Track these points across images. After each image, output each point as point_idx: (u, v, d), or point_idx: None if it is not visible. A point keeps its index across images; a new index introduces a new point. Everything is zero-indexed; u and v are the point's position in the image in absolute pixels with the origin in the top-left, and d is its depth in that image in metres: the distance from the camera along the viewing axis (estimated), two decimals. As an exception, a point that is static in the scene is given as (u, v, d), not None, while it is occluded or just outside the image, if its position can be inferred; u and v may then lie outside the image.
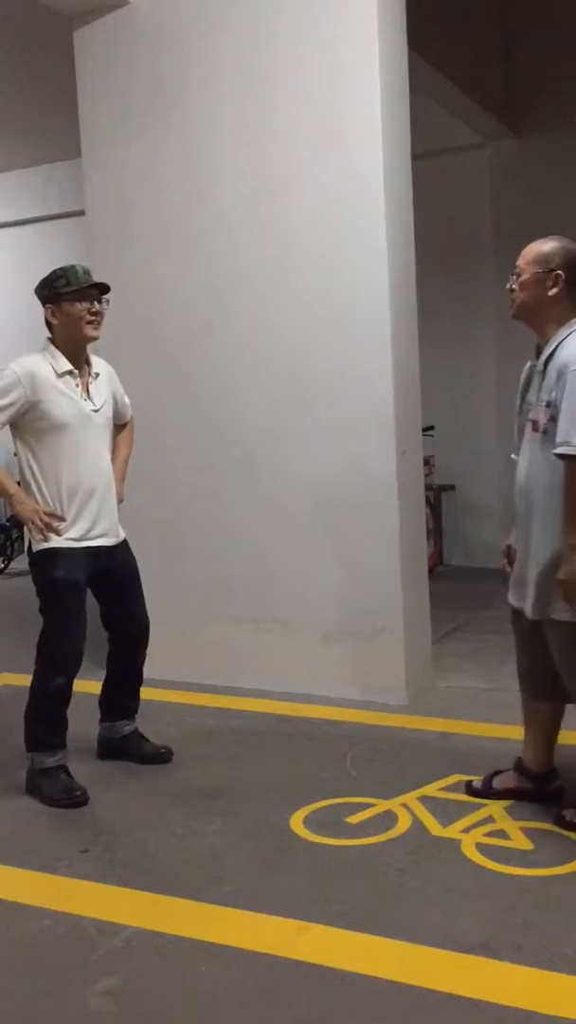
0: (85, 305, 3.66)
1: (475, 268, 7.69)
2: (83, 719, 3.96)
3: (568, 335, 3.07)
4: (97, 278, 3.75)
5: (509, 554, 3.46)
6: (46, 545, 3.66)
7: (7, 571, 8.82)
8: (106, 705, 4.05)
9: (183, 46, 4.89)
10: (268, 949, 2.64)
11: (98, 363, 3.84)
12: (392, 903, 2.86)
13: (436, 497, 7.87)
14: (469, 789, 3.55)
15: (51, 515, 3.64)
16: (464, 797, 3.52)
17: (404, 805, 3.51)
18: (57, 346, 3.71)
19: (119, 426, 4.03)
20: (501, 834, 3.24)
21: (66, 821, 3.53)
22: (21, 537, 9.81)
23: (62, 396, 3.64)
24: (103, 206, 5.23)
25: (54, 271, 3.73)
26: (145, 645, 3.97)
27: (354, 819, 3.42)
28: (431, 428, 6.71)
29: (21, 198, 9.80)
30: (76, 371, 3.70)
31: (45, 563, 3.68)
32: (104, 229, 5.24)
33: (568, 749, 3.63)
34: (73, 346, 3.71)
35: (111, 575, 3.81)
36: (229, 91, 4.80)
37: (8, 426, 3.66)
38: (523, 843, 3.17)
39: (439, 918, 2.76)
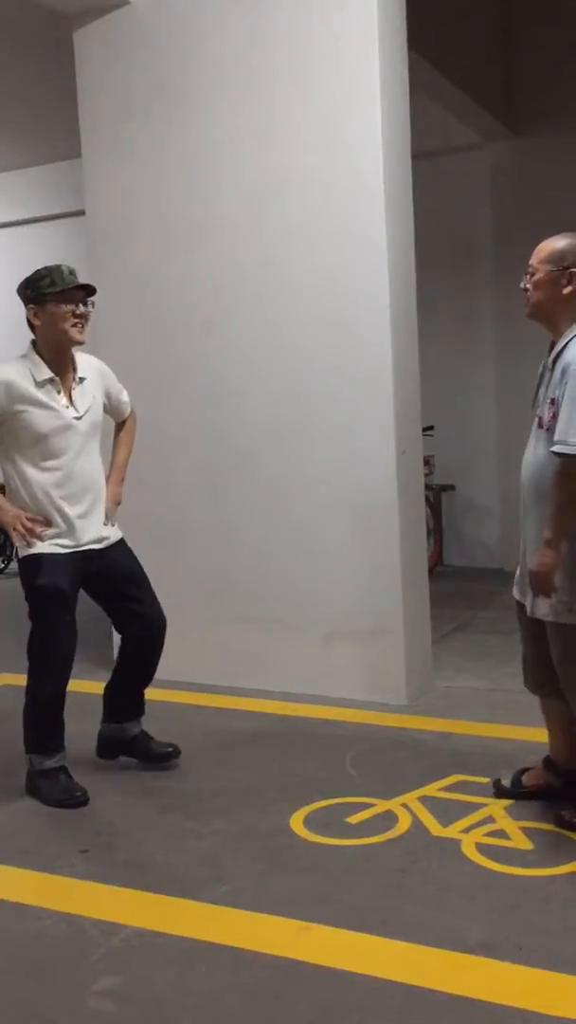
0: (70, 307, 3.54)
1: (474, 268, 7.70)
2: (81, 719, 3.96)
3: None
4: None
5: None
6: (31, 551, 3.61)
7: (6, 571, 8.82)
8: (114, 706, 3.98)
9: (183, 46, 4.89)
10: (268, 949, 2.64)
11: (85, 365, 3.73)
12: (392, 903, 2.86)
13: (436, 497, 7.88)
14: (497, 787, 3.51)
15: (34, 520, 3.59)
16: (464, 797, 3.52)
17: (404, 805, 3.51)
18: (39, 350, 3.61)
19: (119, 423, 3.99)
20: (501, 834, 3.24)
21: (66, 821, 3.53)
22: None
23: (40, 407, 3.55)
24: (103, 206, 5.23)
25: (38, 270, 3.58)
26: (159, 646, 3.86)
27: (354, 819, 3.42)
28: (431, 428, 6.72)
29: (21, 198, 9.81)
30: (58, 378, 3.60)
31: (29, 569, 3.63)
32: (104, 229, 5.24)
33: None
34: (56, 349, 3.60)
35: (104, 578, 3.75)
36: (229, 91, 4.80)
37: None
38: (523, 843, 3.17)
39: (439, 918, 2.76)
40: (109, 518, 3.82)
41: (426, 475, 5.56)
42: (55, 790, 3.66)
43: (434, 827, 3.31)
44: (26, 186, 9.74)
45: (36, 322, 3.59)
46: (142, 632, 3.84)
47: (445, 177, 7.49)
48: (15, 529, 3.59)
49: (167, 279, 5.08)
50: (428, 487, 6.79)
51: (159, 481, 5.07)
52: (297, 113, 4.65)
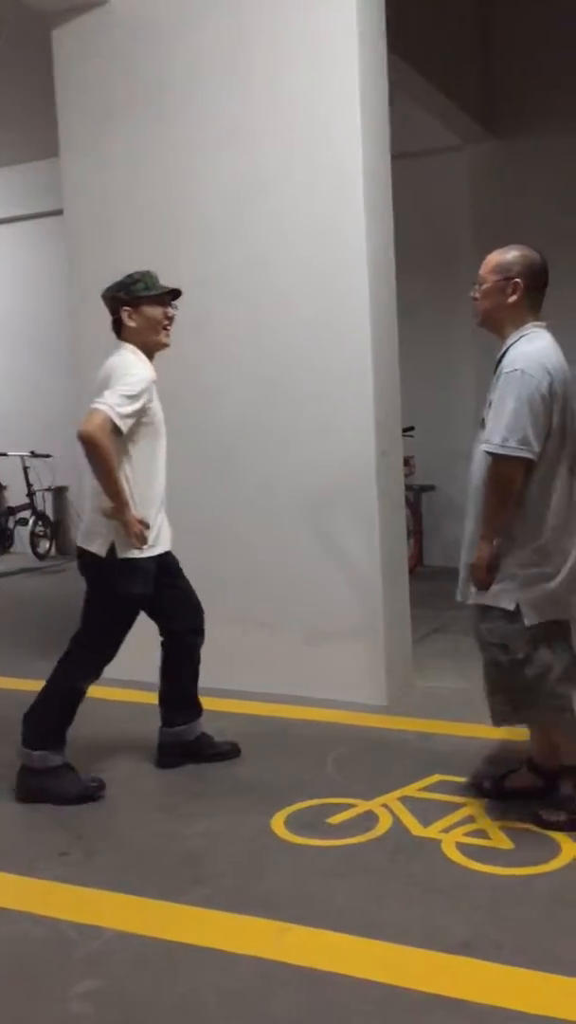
0: (163, 310, 3.69)
1: (454, 269, 7.71)
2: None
3: (518, 339, 3.18)
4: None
5: None
6: (133, 554, 3.60)
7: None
8: (180, 706, 3.97)
9: (162, 45, 4.88)
10: (249, 951, 2.63)
11: None
12: (373, 903, 2.86)
13: (416, 497, 7.89)
14: (480, 790, 3.53)
15: (143, 524, 3.60)
16: (444, 797, 3.53)
17: (385, 805, 3.51)
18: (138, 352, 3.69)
19: None
20: (481, 834, 3.25)
21: (45, 823, 3.51)
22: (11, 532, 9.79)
23: (158, 402, 3.65)
24: (82, 205, 5.20)
25: (130, 275, 3.73)
26: (203, 633, 3.97)
27: (335, 820, 3.42)
28: (411, 429, 6.74)
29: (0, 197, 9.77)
30: None
31: (124, 575, 3.62)
32: (83, 229, 5.21)
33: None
34: (148, 351, 3.70)
35: (161, 576, 3.76)
36: (208, 90, 4.79)
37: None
38: (503, 842, 3.18)
39: (420, 918, 2.76)
40: None
41: (406, 476, 5.56)
42: (73, 787, 3.63)
43: (415, 827, 3.31)
44: (4, 185, 9.70)
45: (131, 324, 3.68)
46: (193, 621, 3.91)
47: (425, 179, 7.52)
48: (136, 532, 3.55)
49: (147, 279, 5.05)
50: (408, 488, 6.78)
51: (139, 482, 5.04)
52: (277, 113, 4.65)
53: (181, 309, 4.96)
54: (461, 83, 6.96)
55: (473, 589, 3.24)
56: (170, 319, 3.72)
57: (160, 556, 3.73)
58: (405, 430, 5.08)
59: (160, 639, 3.94)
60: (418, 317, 7.37)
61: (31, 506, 9.54)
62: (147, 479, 3.65)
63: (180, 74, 4.86)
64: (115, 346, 3.72)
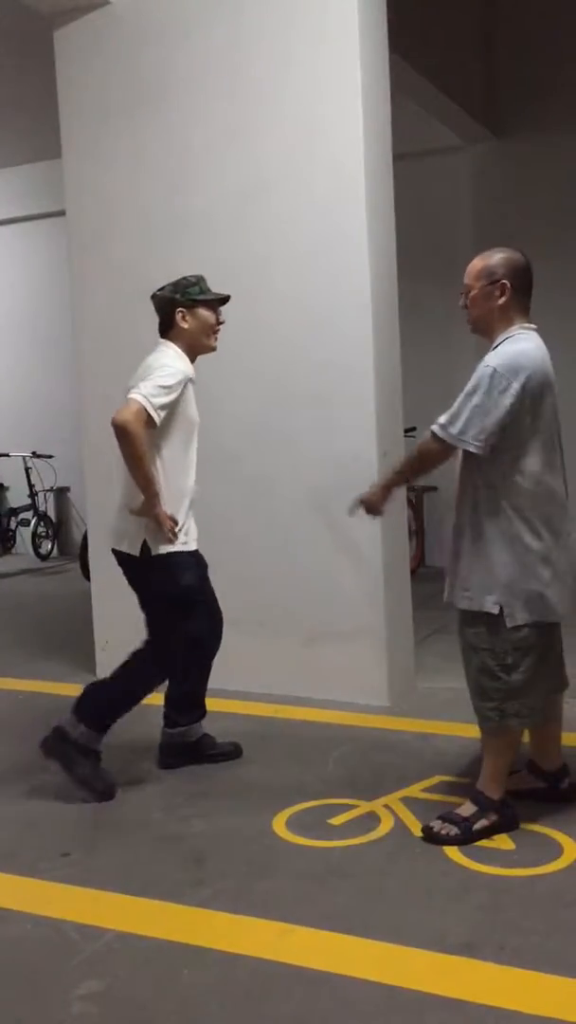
0: (214, 314, 3.76)
1: (455, 269, 7.57)
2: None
3: (503, 340, 3.19)
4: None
5: None
6: (174, 548, 3.61)
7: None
8: (186, 707, 3.99)
9: (164, 45, 4.88)
10: (251, 952, 2.63)
11: None
12: (375, 904, 2.86)
13: (418, 498, 7.89)
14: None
15: (173, 519, 3.61)
16: (446, 797, 3.53)
17: (387, 806, 3.51)
18: (184, 351, 3.73)
19: None
20: (483, 834, 3.25)
21: (47, 824, 3.51)
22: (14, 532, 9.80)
23: (193, 400, 3.67)
24: (83, 206, 5.21)
25: (185, 278, 3.78)
26: (220, 639, 4.01)
27: (337, 821, 3.42)
28: (413, 429, 6.71)
29: (1, 198, 9.77)
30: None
31: (166, 572, 3.63)
32: (85, 229, 5.21)
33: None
34: (194, 353, 3.75)
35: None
36: (210, 90, 4.79)
37: None
38: (505, 843, 3.18)
39: (422, 919, 2.76)
40: None
41: (408, 476, 5.57)
42: (96, 775, 3.67)
43: (417, 828, 3.31)
44: (5, 186, 9.70)
45: (184, 325, 3.72)
46: (213, 626, 3.95)
47: (426, 179, 7.51)
48: (168, 527, 3.56)
49: (149, 280, 5.03)
50: (410, 488, 6.79)
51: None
52: (279, 114, 4.65)
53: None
54: (462, 83, 6.95)
55: (463, 594, 3.23)
56: (220, 324, 3.79)
57: (195, 553, 3.75)
58: (407, 430, 5.08)
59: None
60: (420, 317, 7.36)
61: (33, 507, 9.55)
62: (177, 475, 3.65)
63: (182, 74, 4.86)
64: (156, 344, 3.75)
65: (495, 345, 3.20)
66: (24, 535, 9.65)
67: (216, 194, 4.83)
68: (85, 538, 6.28)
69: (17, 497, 9.92)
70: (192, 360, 3.74)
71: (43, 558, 9.45)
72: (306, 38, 4.53)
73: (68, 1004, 2.45)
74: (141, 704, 3.75)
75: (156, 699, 3.93)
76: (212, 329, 3.76)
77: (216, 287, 3.88)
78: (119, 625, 5.02)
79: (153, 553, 3.59)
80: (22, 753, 4.09)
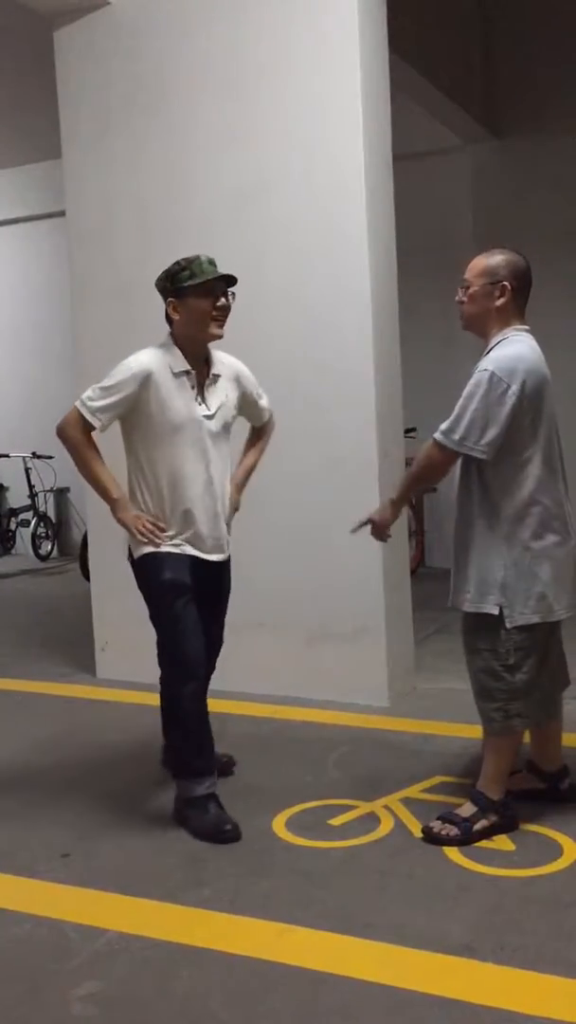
0: (210, 301, 3.36)
1: (456, 270, 7.64)
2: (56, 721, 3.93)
3: (499, 342, 3.19)
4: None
5: None
6: (149, 550, 3.39)
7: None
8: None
9: (164, 46, 4.88)
10: (251, 952, 2.63)
11: (220, 363, 3.53)
12: (375, 905, 2.86)
13: (418, 499, 7.89)
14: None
15: (154, 523, 3.39)
16: (446, 798, 3.52)
17: (386, 807, 3.51)
18: (177, 343, 3.42)
19: (254, 429, 3.85)
20: (483, 835, 3.25)
21: (47, 825, 3.51)
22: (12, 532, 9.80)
23: (175, 397, 3.35)
24: (84, 206, 5.20)
25: (177, 262, 3.39)
26: (214, 663, 3.74)
27: (336, 821, 3.41)
28: (413, 430, 6.72)
29: (1, 199, 9.78)
30: (193, 371, 3.42)
31: (148, 567, 3.40)
32: (86, 230, 5.21)
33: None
34: (194, 345, 3.42)
35: (206, 591, 3.53)
36: (210, 91, 4.79)
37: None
38: (505, 844, 3.18)
39: (422, 919, 2.76)
40: (227, 524, 3.64)
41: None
42: (205, 824, 3.35)
43: (416, 829, 3.31)
44: (4, 186, 9.70)
45: (175, 316, 3.40)
46: (194, 653, 3.52)
47: (426, 179, 7.51)
48: (137, 530, 3.37)
49: (149, 280, 5.03)
50: (410, 489, 6.79)
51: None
52: (279, 114, 4.65)
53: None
54: (462, 83, 6.96)
55: (464, 596, 3.24)
56: (221, 310, 3.38)
57: (195, 560, 3.47)
58: (407, 431, 5.08)
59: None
60: (420, 318, 7.36)
61: (33, 507, 9.55)
62: (159, 481, 3.39)
63: (182, 74, 4.86)
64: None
65: (489, 348, 3.20)
66: (24, 535, 9.65)
67: (216, 194, 4.83)
68: (85, 538, 6.28)
69: (17, 498, 9.92)
70: (197, 352, 3.44)
71: (43, 559, 9.45)
72: (306, 38, 4.53)
73: (68, 1004, 2.45)
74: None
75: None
76: (208, 316, 3.36)
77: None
78: (119, 625, 5.03)
79: (136, 556, 3.46)
80: (22, 753, 4.09)
